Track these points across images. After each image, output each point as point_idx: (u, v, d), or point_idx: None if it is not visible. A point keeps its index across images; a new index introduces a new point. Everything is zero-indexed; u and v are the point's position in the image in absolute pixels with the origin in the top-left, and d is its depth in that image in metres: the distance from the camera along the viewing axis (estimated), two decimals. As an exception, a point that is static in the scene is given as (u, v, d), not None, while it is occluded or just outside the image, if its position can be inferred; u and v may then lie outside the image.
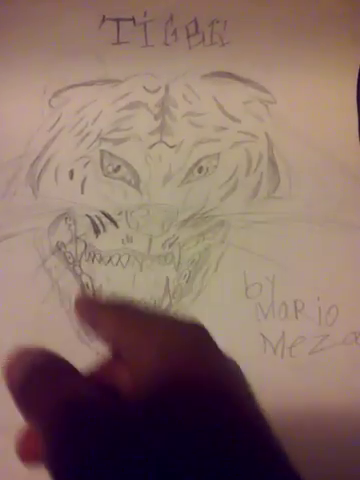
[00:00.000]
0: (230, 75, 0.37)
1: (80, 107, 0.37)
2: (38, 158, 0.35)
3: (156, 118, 0.36)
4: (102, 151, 0.35)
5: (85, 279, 0.31)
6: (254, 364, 0.29)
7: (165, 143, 0.36)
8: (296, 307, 0.31)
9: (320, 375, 0.29)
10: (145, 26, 0.35)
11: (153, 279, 0.31)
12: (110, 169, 0.35)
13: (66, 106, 0.37)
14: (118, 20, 0.35)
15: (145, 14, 0.35)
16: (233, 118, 0.37)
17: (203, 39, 0.36)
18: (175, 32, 0.36)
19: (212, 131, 0.36)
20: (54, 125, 0.37)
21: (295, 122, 0.37)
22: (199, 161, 0.35)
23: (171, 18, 0.35)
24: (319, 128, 0.37)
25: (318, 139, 0.36)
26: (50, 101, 0.37)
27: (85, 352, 0.29)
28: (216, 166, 0.35)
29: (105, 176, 0.35)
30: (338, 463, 0.28)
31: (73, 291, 0.31)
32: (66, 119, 0.37)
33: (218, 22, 0.36)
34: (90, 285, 0.31)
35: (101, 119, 0.36)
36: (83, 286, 0.31)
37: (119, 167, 0.35)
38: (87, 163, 0.35)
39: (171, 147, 0.35)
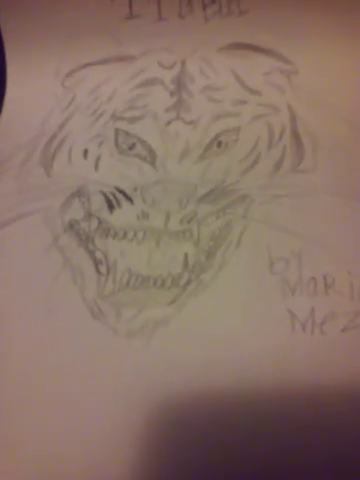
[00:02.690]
0: (249, 46, 0.36)
1: (94, 86, 0.36)
2: (52, 139, 0.35)
3: (172, 94, 0.35)
4: (117, 130, 0.35)
5: (99, 255, 0.30)
6: (283, 342, 0.27)
7: (182, 119, 0.35)
8: (326, 282, 0.29)
9: (354, 353, 0.27)
10: None
11: (170, 255, 0.30)
12: (125, 147, 0.34)
13: (80, 86, 0.36)
14: None
15: None
16: (253, 91, 0.35)
17: (220, 9, 0.35)
18: (190, 3, 0.35)
19: (231, 105, 0.35)
20: (68, 106, 0.36)
21: (319, 93, 0.35)
22: (218, 136, 0.34)
23: None
24: (345, 98, 0.35)
25: (344, 110, 0.35)
26: (63, 82, 0.37)
27: (98, 329, 0.28)
28: (236, 140, 0.34)
29: (120, 154, 0.34)
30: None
31: (86, 268, 0.30)
32: (80, 99, 0.36)
33: None
34: (104, 261, 0.30)
35: (116, 98, 0.36)
36: (96, 262, 0.30)
37: (134, 145, 0.34)
38: (102, 142, 0.34)
39: (188, 123, 0.34)
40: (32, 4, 0.36)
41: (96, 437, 0.26)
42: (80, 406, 0.27)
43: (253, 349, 0.27)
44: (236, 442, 0.26)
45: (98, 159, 0.34)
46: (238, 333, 0.28)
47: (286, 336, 0.28)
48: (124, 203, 0.32)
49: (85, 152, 0.34)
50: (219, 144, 0.34)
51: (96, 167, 0.34)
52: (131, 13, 0.36)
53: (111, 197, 0.32)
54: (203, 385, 0.27)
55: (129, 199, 0.32)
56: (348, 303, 0.28)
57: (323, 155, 0.33)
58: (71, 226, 0.31)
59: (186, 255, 0.30)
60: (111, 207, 0.32)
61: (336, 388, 0.27)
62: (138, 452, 0.26)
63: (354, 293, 0.29)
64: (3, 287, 0.30)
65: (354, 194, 0.32)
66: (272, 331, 0.28)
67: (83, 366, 0.28)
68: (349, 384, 0.27)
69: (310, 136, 0.34)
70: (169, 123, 0.35)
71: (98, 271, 0.30)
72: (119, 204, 0.32)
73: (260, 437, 0.26)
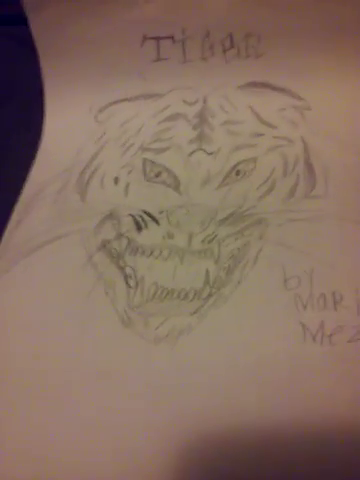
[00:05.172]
0: (265, 85, 0.41)
1: (124, 121, 0.42)
2: (86, 168, 0.40)
3: (195, 128, 0.40)
4: (144, 159, 0.40)
5: (128, 271, 0.35)
6: (295, 351, 0.31)
7: (204, 150, 0.40)
8: (334, 298, 0.33)
9: (358, 362, 0.31)
10: (183, 43, 0.40)
11: (193, 271, 0.34)
12: (152, 175, 0.39)
13: (111, 120, 0.42)
14: (158, 38, 0.40)
15: (183, 32, 0.40)
16: (269, 125, 0.40)
17: (238, 52, 0.41)
18: (212, 47, 0.41)
19: (249, 137, 0.40)
20: (100, 138, 0.42)
21: (330, 126, 0.40)
22: (236, 165, 0.39)
23: (207, 34, 0.40)
24: (354, 131, 0.40)
25: (354, 141, 0.40)
26: (96, 117, 0.42)
27: (129, 336, 0.32)
28: (253, 169, 0.39)
29: (147, 181, 0.39)
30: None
31: (117, 282, 0.34)
32: (111, 132, 0.42)
33: (252, 36, 0.40)
34: (133, 276, 0.34)
35: (143, 131, 0.41)
36: (126, 277, 0.34)
37: (160, 173, 0.39)
38: (131, 171, 0.40)
39: (209, 154, 0.39)
40: (70, 47, 0.42)
41: (127, 434, 0.30)
42: (113, 405, 0.31)
43: (268, 357, 0.31)
44: (254, 439, 0.29)
45: (128, 186, 0.39)
46: (254, 342, 0.32)
47: (298, 346, 0.32)
48: (151, 224, 0.37)
49: (116, 180, 0.39)
50: (238, 172, 0.39)
51: (126, 193, 0.39)
52: (158, 56, 0.41)
53: (139, 219, 0.37)
54: (222, 387, 0.31)
55: (155, 221, 0.37)
56: (355, 318, 0.32)
57: (334, 183, 0.38)
58: (104, 245, 0.36)
59: (207, 271, 0.35)
60: (139, 228, 0.37)
61: (343, 393, 0.30)
62: (163, 451, 0.29)
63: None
64: (43, 301, 0.34)
65: (362, 219, 0.36)
66: (285, 341, 0.32)
67: (115, 369, 0.32)
68: (355, 390, 0.30)
69: (322, 165, 0.39)
70: (192, 153, 0.40)
71: (128, 285, 0.34)
72: (146, 225, 0.37)
73: (276, 439, 0.29)
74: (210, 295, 0.34)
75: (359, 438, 0.29)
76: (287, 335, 0.32)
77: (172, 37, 0.40)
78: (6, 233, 0.37)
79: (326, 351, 0.31)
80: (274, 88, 0.41)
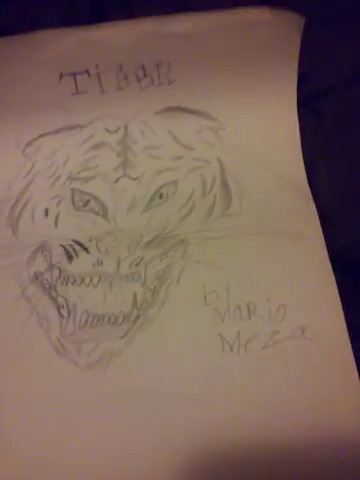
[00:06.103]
0: (180, 109, 0.44)
1: (50, 153, 0.44)
2: (16, 202, 0.42)
3: (119, 155, 0.43)
4: (73, 189, 0.42)
5: (60, 301, 0.37)
6: (214, 361, 0.35)
7: (128, 176, 0.42)
8: (249, 309, 0.36)
9: (273, 366, 0.35)
10: (99, 76, 0.43)
11: (122, 295, 0.37)
12: (80, 204, 0.42)
13: (38, 154, 0.44)
14: (74, 74, 0.43)
15: (97, 66, 0.43)
16: (187, 147, 0.43)
17: (152, 81, 0.43)
18: (126, 78, 0.43)
19: (169, 161, 0.43)
20: (29, 172, 0.44)
21: (243, 145, 0.43)
22: (159, 189, 0.42)
23: (120, 67, 0.43)
24: (265, 148, 0.43)
25: (265, 159, 0.43)
26: (24, 151, 0.44)
27: (62, 365, 0.35)
28: (175, 192, 0.42)
29: (76, 210, 0.42)
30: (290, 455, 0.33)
31: (50, 312, 0.37)
32: (39, 165, 0.44)
33: (162, 64, 0.43)
34: (65, 305, 0.37)
35: (70, 162, 0.43)
36: (59, 307, 0.37)
37: (88, 201, 0.42)
38: (60, 201, 0.42)
39: (134, 179, 0.42)
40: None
41: (62, 460, 0.33)
42: (47, 431, 0.34)
43: (192, 373, 0.35)
44: (187, 457, 0.33)
45: (57, 216, 0.42)
46: (179, 359, 0.35)
47: (217, 356, 0.35)
48: (81, 253, 0.40)
49: (46, 211, 0.42)
50: (161, 196, 0.42)
51: (56, 224, 0.41)
52: (77, 90, 0.44)
53: (70, 249, 0.40)
54: (150, 408, 0.34)
55: (85, 249, 0.40)
56: (267, 325, 0.36)
57: (248, 200, 0.41)
58: (36, 277, 0.39)
59: (135, 294, 0.38)
60: (70, 258, 0.39)
61: (261, 400, 0.34)
62: (98, 477, 0.33)
63: (271, 317, 0.36)
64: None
65: (273, 232, 0.40)
66: (206, 354, 0.36)
67: (50, 396, 0.35)
68: (269, 392, 0.34)
69: (237, 184, 0.42)
70: (117, 180, 0.42)
71: (61, 315, 0.37)
72: (77, 254, 0.40)
73: (207, 455, 0.33)
74: (138, 317, 0.37)
75: (278, 443, 0.33)
76: (207, 348, 0.35)
77: (87, 71, 0.43)
78: None
79: (242, 359, 0.35)
80: (189, 111, 0.44)
